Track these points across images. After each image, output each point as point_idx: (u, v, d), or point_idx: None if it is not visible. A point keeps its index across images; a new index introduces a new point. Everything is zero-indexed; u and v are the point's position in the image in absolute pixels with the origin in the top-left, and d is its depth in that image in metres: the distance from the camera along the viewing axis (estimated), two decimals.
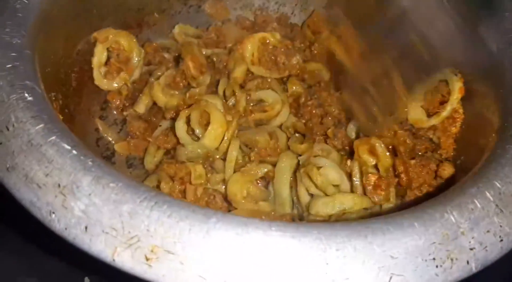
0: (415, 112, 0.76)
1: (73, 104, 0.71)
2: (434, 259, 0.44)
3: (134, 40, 0.78)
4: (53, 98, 0.62)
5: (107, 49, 0.77)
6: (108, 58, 0.78)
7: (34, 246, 0.65)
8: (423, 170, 0.67)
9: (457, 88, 0.71)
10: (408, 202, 0.67)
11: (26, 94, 0.49)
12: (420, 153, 0.74)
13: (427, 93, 0.76)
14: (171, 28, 0.87)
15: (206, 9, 0.89)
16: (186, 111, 0.69)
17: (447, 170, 0.68)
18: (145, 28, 0.85)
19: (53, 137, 0.46)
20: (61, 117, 0.58)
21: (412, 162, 0.68)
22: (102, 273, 0.62)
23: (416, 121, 0.76)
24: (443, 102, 0.74)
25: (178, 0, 0.86)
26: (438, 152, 0.74)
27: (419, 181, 0.67)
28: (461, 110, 0.72)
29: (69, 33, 0.69)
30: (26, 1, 0.59)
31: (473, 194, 0.48)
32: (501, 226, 0.47)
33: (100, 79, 0.76)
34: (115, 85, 0.78)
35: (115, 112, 0.80)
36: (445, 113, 0.73)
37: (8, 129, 0.47)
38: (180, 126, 0.68)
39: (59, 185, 0.43)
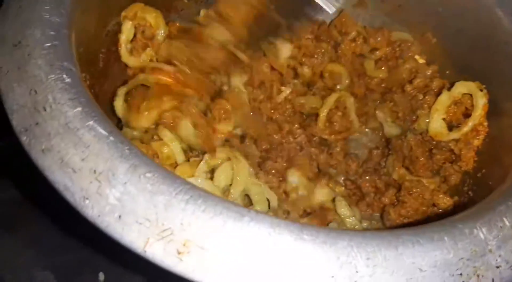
0: (436, 125, 0.75)
1: (98, 85, 0.71)
2: (461, 274, 0.44)
3: (161, 16, 0.78)
4: (83, 79, 0.62)
5: (134, 26, 0.76)
6: (134, 35, 0.77)
7: (50, 240, 0.65)
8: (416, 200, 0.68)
9: (481, 104, 0.71)
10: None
11: (65, 76, 0.49)
12: (439, 164, 0.74)
13: (451, 105, 0.75)
14: (197, 14, 0.86)
15: None
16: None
17: (443, 202, 0.68)
18: (173, 13, 0.84)
19: (91, 122, 0.46)
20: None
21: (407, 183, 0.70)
22: (116, 269, 0.63)
23: (436, 134, 0.75)
24: (466, 115, 0.74)
25: None
26: (458, 164, 0.74)
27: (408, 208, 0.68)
28: (485, 123, 0.71)
29: (101, 13, 0.69)
30: None
31: (502, 211, 0.48)
32: None
33: (127, 56, 0.76)
34: (142, 61, 0.77)
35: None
36: (466, 128, 0.72)
37: (45, 110, 0.46)
38: None
39: (95, 171, 0.43)
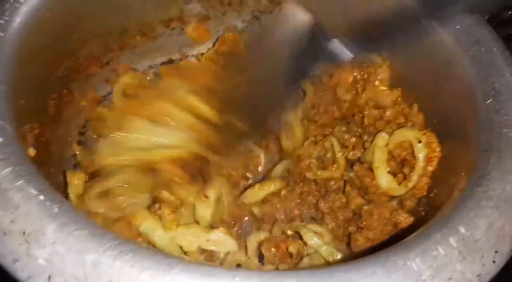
0: (383, 180, 0.71)
1: (50, 131, 0.71)
2: None
3: None
4: (28, 130, 0.63)
5: None
6: None
7: None
8: (379, 221, 0.68)
9: (422, 157, 0.66)
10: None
11: None
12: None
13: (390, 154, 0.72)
14: (153, 50, 0.87)
15: (188, 32, 0.89)
16: None
17: (405, 221, 0.68)
18: (127, 51, 0.85)
19: (21, 182, 0.46)
20: (34, 152, 0.59)
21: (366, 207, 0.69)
22: None
23: (387, 189, 0.71)
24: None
25: (161, 23, 0.86)
26: (412, 191, 0.73)
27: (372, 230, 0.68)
28: (438, 149, 0.68)
29: (47, 60, 0.69)
30: (1, 34, 0.59)
31: (437, 240, 0.49)
32: (463, 273, 0.47)
33: None
34: None
35: (95, 136, 0.80)
36: (412, 183, 0.68)
37: None
38: None
39: (24, 232, 0.44)
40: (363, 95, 0.82)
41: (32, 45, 0.64)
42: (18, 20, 0.61)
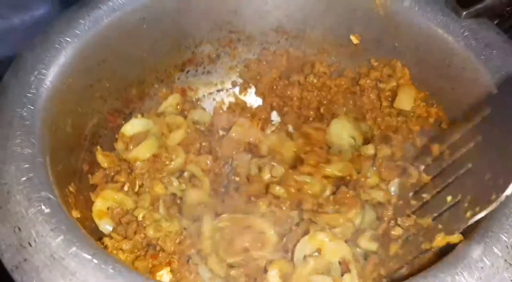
0: None
1: (86, 190, 0.74)
2: None
3: None
4: (68, 193, 0.65)
5: None
6: None
7: None
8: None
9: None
10: None
11: (43, 207, 0.52)
12: None
13: None
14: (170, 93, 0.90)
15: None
16: None
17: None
18: (147, 100, 0.88)
19: (74, 249, 0.48)
20: (78, 213, 0.62)
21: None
22: None
23: None
24: None
25: (175, 68, 0.89)
26: None
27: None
28: None
29: (75, 123, 0.72)
30: (31, 107, 0.62)
31: (481, 251, 0.50)
32: None
33: None
34: None
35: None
36: None
37: (30, 245, 0.49)
38: None
39: None
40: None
41: (60, 112, 0.67)
42: (44, 90, 0.64)
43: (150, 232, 0.66)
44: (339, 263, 0.65)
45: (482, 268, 0.48)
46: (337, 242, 0.66)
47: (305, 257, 0.65)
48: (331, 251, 0.65)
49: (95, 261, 0.48)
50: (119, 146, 0.79)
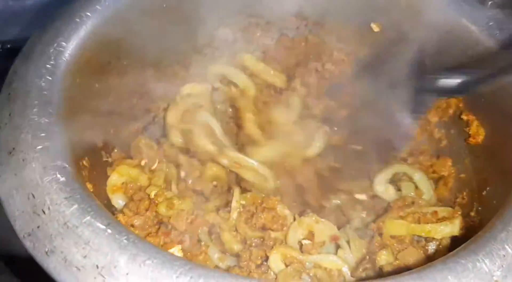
0: None
1: (100, 166, 0.73)
2: None
3: None
4: (82, 166, 0.65)
5: None
6: None
7: None
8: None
9: None
10: None
11: (59, 175, 0.51)
12: None
13: None
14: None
15: None
16: None
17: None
18: (163, 81, 0.87)
19: (88, 218, 0.48)
20: (92, 186, 0.61)
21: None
22: None
23: None
24: None
25: (193, 50, 0.88)
26: None
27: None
28: None
29: (92, 97, 0.71)
30: (49, 78, 0.61)
31: (503, 239, 0.48)
32: None
33: None
34: None
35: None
36: None
37: (44, 212, 0.49)
38: None
39: (97, 266, 0.45)
40: None
41: (77, 85, 0.66)
42: (63, 63, 0.64)
43: (163, 210, 0.65)
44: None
45: (504, 256, 0.47)
46: (324, 222, 0.68)
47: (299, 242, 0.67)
48: (320, 231, 0.67)
49: (109, 231, 0.47)
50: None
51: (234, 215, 0.68)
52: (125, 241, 0.46)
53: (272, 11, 0.88)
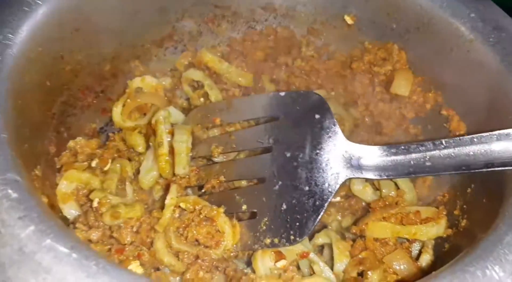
0: None
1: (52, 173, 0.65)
2: None
3: None
4: (34, 177, 0.57)
5: None
6: None
7: None
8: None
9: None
10: None
11: (10, 191, 0.43)
12: None
13: None
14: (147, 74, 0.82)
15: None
16: None
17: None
18: (121, 77, 0.79)
19: (48, 241, 0.41)
20: (46, 200, 0.54)
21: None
22: None
23: None
24: None
25: (153, 43, 0.81)
26: None
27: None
28: None
29: (42, 98, 0.64)
30: None
31: (510, 242, 0.45)
32: None
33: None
34: None
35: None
36: None
37: None
38: None
39: None
40: None
41: (26, 84, 0.59)
42: (10, 58, 0.56)
43: (107, 220, 0.58)
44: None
45: None
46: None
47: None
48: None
49: (74, 255, 0.40)
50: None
51: (167, 214, 0.60)
52: (94, 267, 0.39)
53: (240, 1, 0.82)
